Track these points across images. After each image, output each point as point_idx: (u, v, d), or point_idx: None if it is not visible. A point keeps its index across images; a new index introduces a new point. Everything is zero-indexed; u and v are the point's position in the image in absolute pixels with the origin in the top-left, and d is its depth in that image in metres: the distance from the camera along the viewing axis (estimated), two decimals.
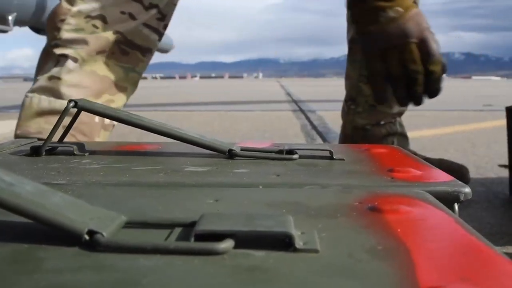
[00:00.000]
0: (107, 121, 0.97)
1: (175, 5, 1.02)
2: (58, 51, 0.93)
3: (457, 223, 0.30)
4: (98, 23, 0.94)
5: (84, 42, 0.93)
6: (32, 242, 0.25)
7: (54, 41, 0.94)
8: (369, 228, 0.28)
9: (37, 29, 3.26)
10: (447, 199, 0.36)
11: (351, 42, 1.28)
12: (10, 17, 2.63)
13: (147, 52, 1.02)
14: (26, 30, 3.28)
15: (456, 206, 0.38)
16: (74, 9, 0.93)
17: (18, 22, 2.92)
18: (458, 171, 1.20)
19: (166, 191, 0.36)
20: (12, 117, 3.29)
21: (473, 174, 1.35)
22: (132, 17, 0.96)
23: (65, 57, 0.93)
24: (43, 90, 0.92)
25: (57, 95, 0.92)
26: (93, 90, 0.94)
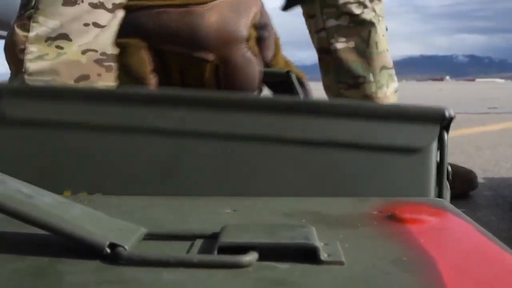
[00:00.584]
0: None
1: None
2: None
3: (479, 232, 0.30)
4: (62, 43, 0.86)
5: (53, 72, 0.85)
6: (53, 255, 0.25)
7: (21, 76, 0.85)
8: (391, 238, 0.28)
9: None
10: None
11: (319, 53, 1.27)
12: None
13: None
14: None
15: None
16: (31, 34, 0.85)
17: None
18: (465, 176, 1.20)
19: (182, 201, 0.36)
20: None
21: (479, 177, 1.34)
22: (97, 26, 0.88)
23: None
24: None
25: None
26: None
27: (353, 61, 1.22)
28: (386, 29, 1.26)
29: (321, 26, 1.24)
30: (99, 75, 0.89)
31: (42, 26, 0.85)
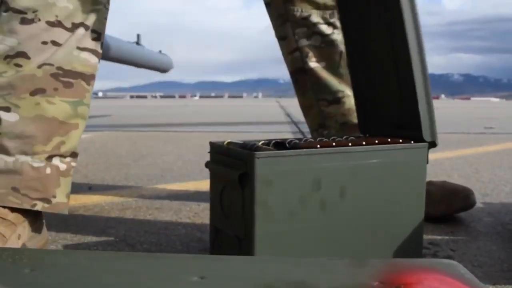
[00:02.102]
0: (62, 166, 0.89)
1: (106, 19, 0.93)
2: None
3: None
4: (20, 61, 0.84)
5: (10, 87, 0.83)
6: None
7: None
8: None
9: None
10: None
11: (294, 74, 1.26)
12: None
13: (91, 79, 0.92)
14: None
15: None
16: None
17: None
18: (462, 193, 1.16)
19: (144, 260, 0.31)
20: None
21: (479, 202, 1.30)
22: (56, 44, 0.86)
23: None
24: None
25: (2, 150, 0.83)
26: (39, 137, 0.85)
27: (327, 78, 1.22)
28: None
29: (294, 47, 1.24)
30: (55, 89, 0.87)
31: (0, 44, 0.83)
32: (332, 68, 1.22)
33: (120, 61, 7.41)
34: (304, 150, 0.72)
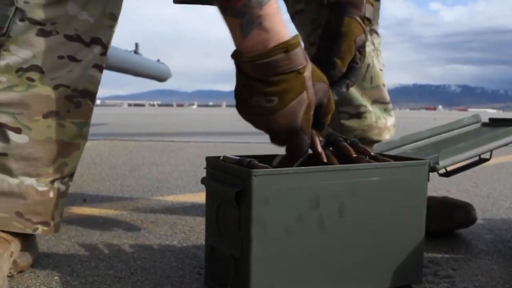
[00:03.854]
0: (62, 187, 0.86)
1: (113, 33, 0.89)
2: None
3: None
4: (33, 75, 0.79)
5: (22, 106, 0.79)
6: None
7: None
8: None
9: None
10: None
11: None
12: None
13: (95, 96, 0.88)
14: None
15: None
16: (1, 63, 0.78)
17: None
18: (463, 209, 1.14)
19: None
20: None
21: (479, 218, 1.28)
22: (73, 59, 0.82)
23: (2, 127, 0.79)
24: None
25: (5, 171, 0.80)
26: (45, 159, 0.83)
27: (351, 90, 1.17)
28: (383, 64, 1.22)
29: None
30: (68, 111, 0.84)
31: (13, 55, 0.78)
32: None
33: (118, 70, 7.42)
34: (303, 168, 0.70)
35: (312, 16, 1.18)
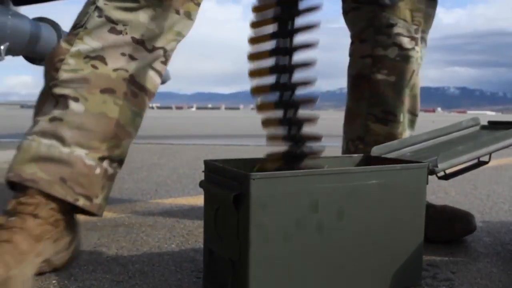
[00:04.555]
0: (110, 170, 0.91)
1: (175, 49, 0.98)
2: (57, 91, 0.88)
3: None
4: (97, 63, 0.90)
5: (84, 80, 0.88)
6: None
7: (52, 82, 0.89)
8: None
9: (31, 59, 3.23)
10: None
11: (357, 78, 1.21)
12: (2, 47, 2.59)
13: (152, 97, 0.96)
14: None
15: None
16: (73, 49, 0.89)
17: (11, 52, 2.88)
18: (463, 218, 1.14)
19: None
20: (4, 147, 3.21)
21: (478, 221, 1.28)
22: (133, 58, 0.92)
23: (64, 97, 0.88)
24: (43, 134, 0.87)
25: (59, 138, 0.86)
26: (97, 133, 0.89)
27: (388, 95, 1.17)
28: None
29: (368, 52, 1.19)
30: (124, 94, 0.91)
31: (85, 44, 0.89)
32: (398, 86, 1.17)
33: None
34: (301, 171, 0.70)
35: (368, 16, 1.18)
